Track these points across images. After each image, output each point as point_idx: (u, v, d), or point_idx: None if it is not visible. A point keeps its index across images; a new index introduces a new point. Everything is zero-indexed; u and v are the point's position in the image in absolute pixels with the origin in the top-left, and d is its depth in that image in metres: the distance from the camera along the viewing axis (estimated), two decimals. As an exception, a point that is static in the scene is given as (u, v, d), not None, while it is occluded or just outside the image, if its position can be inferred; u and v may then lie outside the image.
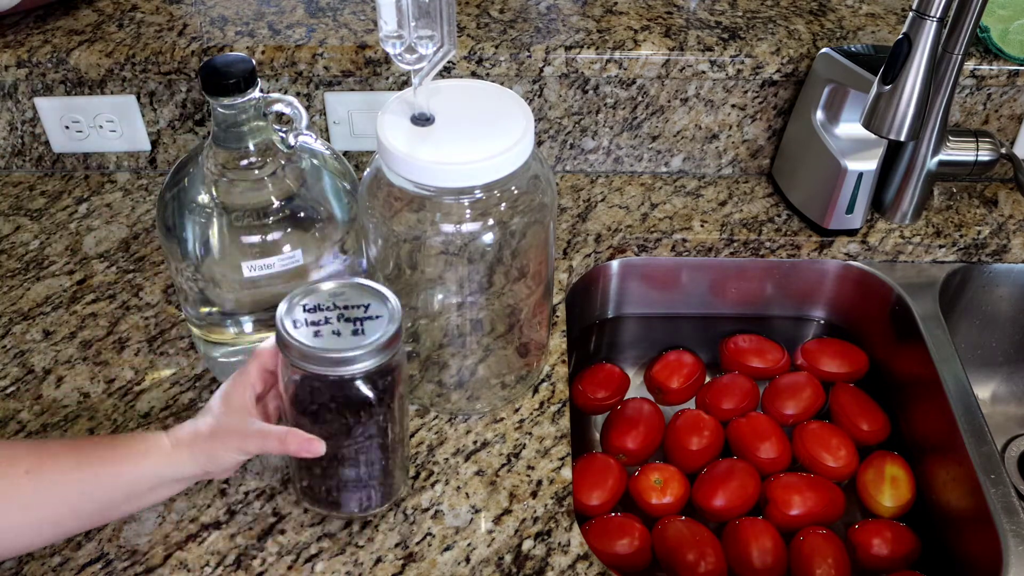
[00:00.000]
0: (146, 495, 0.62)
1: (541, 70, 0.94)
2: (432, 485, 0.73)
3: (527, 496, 0.73)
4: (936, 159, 0.92)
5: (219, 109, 0.67)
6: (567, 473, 0.74)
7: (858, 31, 0.98)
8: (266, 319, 0.75)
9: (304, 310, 0.62)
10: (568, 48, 0.93)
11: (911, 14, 0.73)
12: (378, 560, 0.69)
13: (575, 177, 1.03)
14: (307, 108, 0.95)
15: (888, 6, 1.02)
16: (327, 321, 0.61)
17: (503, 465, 0.75)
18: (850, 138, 0.91)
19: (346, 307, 0.62)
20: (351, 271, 0.76)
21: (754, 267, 0.98)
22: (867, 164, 0.90)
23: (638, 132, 1.00)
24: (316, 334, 0.60)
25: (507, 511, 0.72)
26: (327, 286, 0.63)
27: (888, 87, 0.75)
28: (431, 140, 0.65)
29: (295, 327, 0.60)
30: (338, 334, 0.60)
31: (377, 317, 0.61)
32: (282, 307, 0.62)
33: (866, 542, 0.84)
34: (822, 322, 1.04)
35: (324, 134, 1.00)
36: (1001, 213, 0.99)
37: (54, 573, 0.67)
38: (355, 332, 0.60)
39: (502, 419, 0.78)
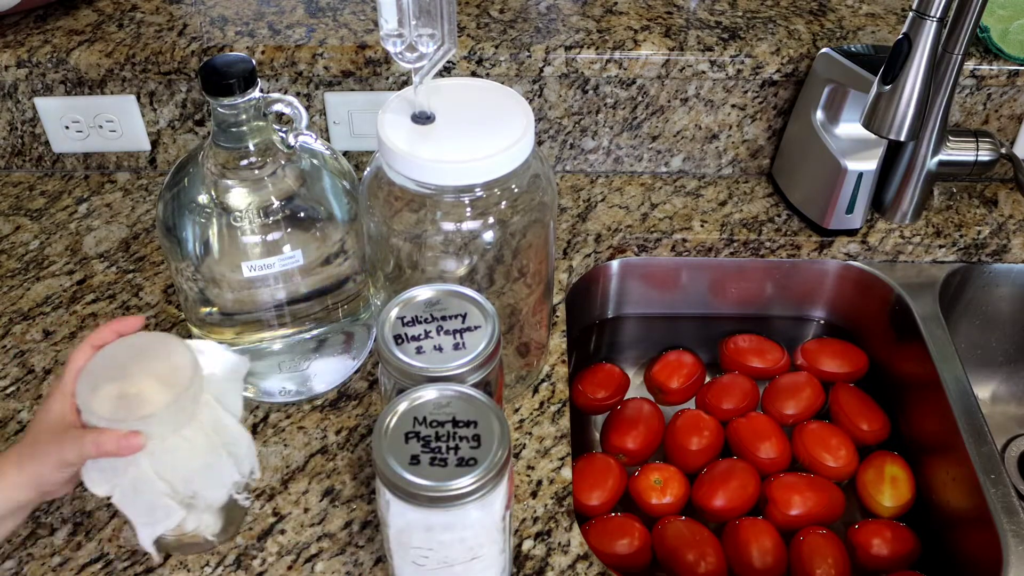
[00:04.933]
0: None
1: (541, 70, 0.94)
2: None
3: (527, 496, 0.73)
4: (936, 159, 0.92)
5: (219, 109, 0.67)
6: (567, 473, 0.74)
7: (858, 31, 0.98)
8: (266, 319, 0.75)
9: (403, 323, 0.62)
10: (568, 48, 0.93)
11: (911, 14, 0.73)
12: (378, 560, 0.68)
13: (575, 177, 1.03)
14: (307, 108, 0.95)
15: (888, 6, 1.03)
16: (427, 335, 0.61)
17: (503, 465, 0.75)
18: (850, 138, 0.91)
19: (444, 317, 0.62)
20: (351, 271, 0.76)
21: (754, 267, 0.98)
22: (867, 164, 0.90)
23: (638, 132, 1.00)
24: (418, 350, 0.60)
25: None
26: (423, 294, 0.64)
27: (888, 87, 0.76)
28: (432, 138, 0.65)
29: (397, 344, 0.61)
30: (440, 349, 0.60)
31: (476, 328, 0.62)
32: (382, 321, 0.61)
33: (866, 542, 0.84)
34: (822, 322, 1.04)
35: (324, 134, 1.00)
36: (1001, 213, 0.99)
37: (54, 573, 0.67)
38: (456, 346, 0.61)
39: (502, 419, 0.78)
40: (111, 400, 0.58)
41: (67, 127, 0.99)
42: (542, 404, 0.79)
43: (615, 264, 0.98)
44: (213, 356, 0.63)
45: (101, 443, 0.56)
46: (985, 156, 0.93)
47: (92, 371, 0.59)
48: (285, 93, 0.94)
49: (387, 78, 0.95)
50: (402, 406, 0.56)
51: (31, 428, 0.60)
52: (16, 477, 0.58)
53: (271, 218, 0.70)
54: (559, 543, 0.70)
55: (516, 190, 0.67)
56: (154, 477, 0.58)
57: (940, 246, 0.96)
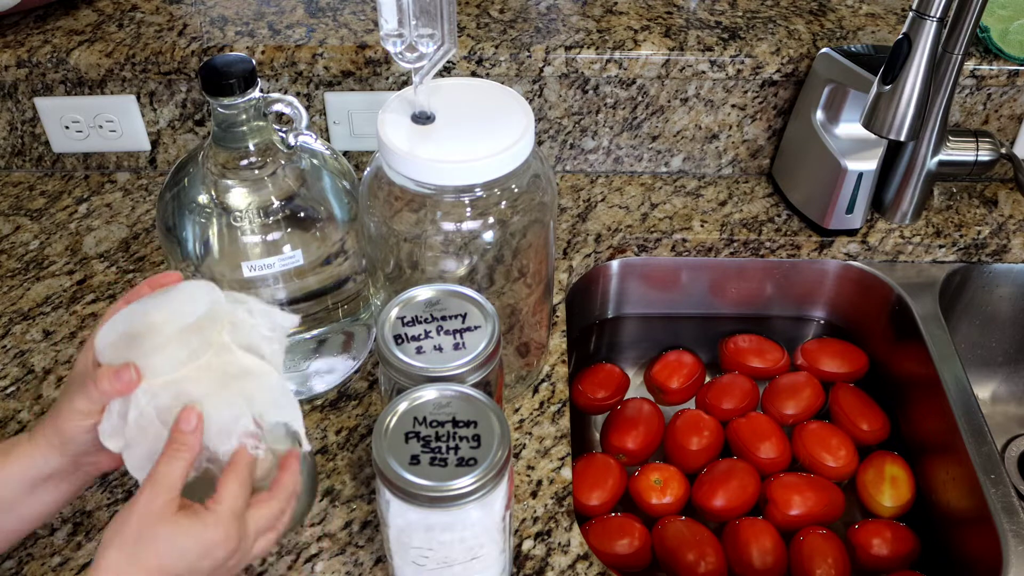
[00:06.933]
0: (21, 502, 0.58)
1: (541, 70, 0.94)
2: (432, 485, 0.73)
3: (527, 496, 0.73)
4: (936, 159, 0.92)
5: (219, 109, 0.67)
6: (567, 473, 0.74)
7: (858, 31, 0.98)
8: (266, 319, 0.74)
9: (403, 323, 0.62)
10: (568, 48, 0.93)
11: (911, 14, 0.73)
12: (378, 560, 0.68)
13: (575, 177, 1.03)
14: (307, 108, 0.95)
15: (888, 6, 1.03)
16: (427, 335, 0.61)
17: (503, 465, 0.75)
18: (850, 138, 0.91)
19: (444, 317, 0.62)
20: (351, 271, 0.76)
21: (754, 267, 0.98)
22: (867, 164, 0.90)
23: (638, 132, 1.00)
24: (419, 350, 0.60)
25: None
26: (423, 294, 0.64)
27: (888, 87, 0.76)
28: (432, 138, 0.65)
29: (397, 344, 0.61)
30: (440, 349, 0.61)
31: (476, 328, 0.62)
32: (382, 321, 0.62)
33: (866, 542, 0.84)
34: (822, 322, 1.04)
35: (324, 134, 1.00)
36: (1001, 213, 0.99)
37: (54, 573, 0.67)
38: (456, 346, 0.61)
39: (502, 419, 0.78)
40: (117, 336, 0.55)
41: (67, 127, 0.99)
42: (542, 404, 0.79)
43: (615, 264, 0.98)
44: (254, 309, 0.58)
45: (98, 380, 0.54)
46: (985, 156, 0.93)
47: (115, 319, 0.56)
48: (285, 93, 0.94)
49: (387, 78, 0.95)
50: (402, 406, 0.56)
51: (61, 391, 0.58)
52: (42, 438, 0.57)
53: (271, 218, 0.70)
54: (559, 543, 0.70)
55: (516, 190, 0.67)
56: (153, 417, 0.54)
57: (940, 246, 0.96)
